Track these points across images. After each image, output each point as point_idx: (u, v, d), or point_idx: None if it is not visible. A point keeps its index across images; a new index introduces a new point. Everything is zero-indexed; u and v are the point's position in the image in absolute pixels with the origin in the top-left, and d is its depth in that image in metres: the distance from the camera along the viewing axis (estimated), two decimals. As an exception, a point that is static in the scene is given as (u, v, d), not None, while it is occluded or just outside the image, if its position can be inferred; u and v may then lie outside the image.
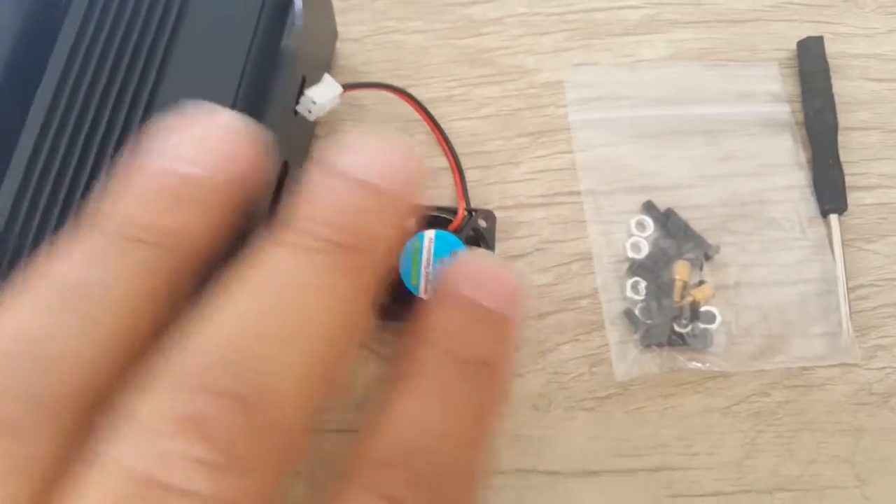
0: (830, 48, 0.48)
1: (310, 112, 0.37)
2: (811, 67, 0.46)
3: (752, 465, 0.41)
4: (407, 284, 0.39)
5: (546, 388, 0.42)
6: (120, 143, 0.33)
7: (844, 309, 0.42)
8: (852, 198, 0.45)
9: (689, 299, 0.41)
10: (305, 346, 0.18)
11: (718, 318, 0.41)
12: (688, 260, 0.42)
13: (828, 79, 0.46)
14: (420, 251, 0.39)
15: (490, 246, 0.40)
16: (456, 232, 0.40)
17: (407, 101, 0.42)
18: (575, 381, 0.42)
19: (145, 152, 0.21)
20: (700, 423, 0.41)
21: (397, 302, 0.39)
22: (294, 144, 0.40)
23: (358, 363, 0.42)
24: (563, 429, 0.41)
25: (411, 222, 0.23)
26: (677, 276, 0.42)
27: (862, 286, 0.44)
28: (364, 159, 0.21)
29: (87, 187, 0.32)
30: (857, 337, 0.43)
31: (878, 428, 0.42)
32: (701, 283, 0.42)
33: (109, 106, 0.33)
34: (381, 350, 0.42)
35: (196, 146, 0.21)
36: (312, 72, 0.38)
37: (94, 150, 0.32)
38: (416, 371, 0.21)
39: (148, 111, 0.33)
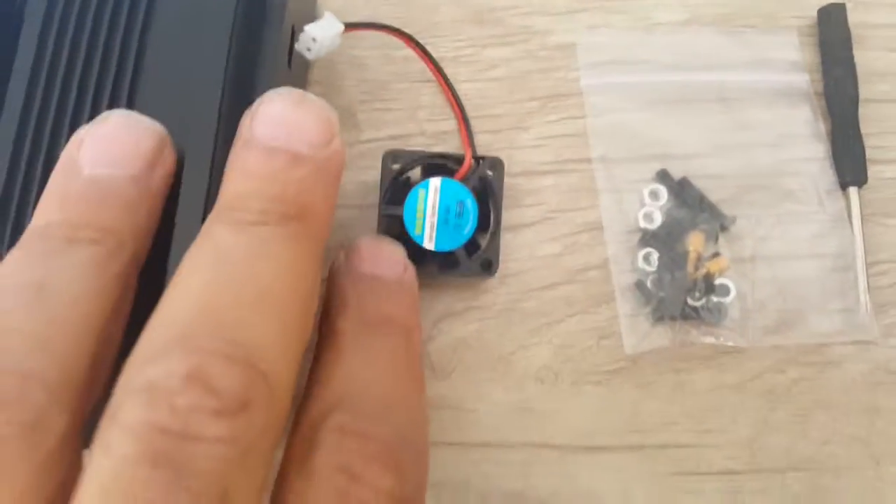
0: (851, 17, 0.46)
1: (309, 50, 0.35)
2: (832, 36, 0.44)
3: (765, 443, 0.40)
4: (411, 234, 0.37)
5: (552, 361, 0.40)
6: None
7: (863, 285, 0.41)
8: (872, 171, 0.43)
9: (703, 271, 0.40)
10: (272, 307, 0.20)
11: (733, 292, 0.40)
12: (702, 231, 0.41)
13: (849, 48, 0.44)
14: (425, 199, 0.37)
15: (498, 196, 0.38)
16: (463, 180, 0.38)
17: (412, 47, 0.40)
18: (582, 353, 0.40)
19: (69, 159, 0.24)
20: (711, 400, 0.40)
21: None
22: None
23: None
24: (569, 403, 0.40)
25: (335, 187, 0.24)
26: (691, 248, 0.40)
27: (881, 262, 0.42)
28: (280, 127, 0.23)
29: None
30: (875, 314, 0.41)
31: (895, 407, 0.40)
32: (716, 255, 0.41)
33: (94, 71, 0.31)
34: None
35: (111, 148, 0.24)
36: (300, 23, 0.37)
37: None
38: (336, 337, 0.25)
39: (136, 75, 0.32)
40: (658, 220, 0.41)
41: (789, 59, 0.45)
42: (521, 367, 0.40)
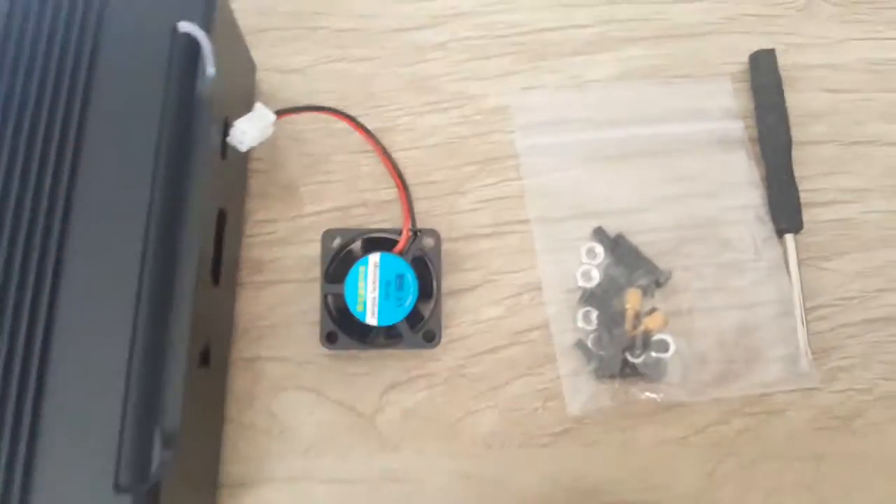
0: (784, 60, 0.47)
1: (241, 143, 0.36)
2: (763, 81, 0.45)
3: (713, 496, 0.40)
4: (353, 311, 0.38)
5: (499, 426, 0.41)
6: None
7: (802, 333, 0.41)
8: (809, 214, 0.44)
9: (641, 328, 0.40)
10: None
11: (672, 347, 0.40)
12: (639, 287, 0.41)
13: (781, 93, 0.45)
14: (365, 276, 0.38)
15: (436, 266, 0.39)
16: (401, 254, 0.39)
17: (347, 122, 0.41)
18: (528, 416, 0.41)
19: None
20: (657, 456, 0.41)
21: (343, 328, 0.39)
22: (228, 189, 0.38)
23: (305, 408, 0.41)
24: (517, 467, 0.40)
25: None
26: (628, 305, 0.41)
27: (821, 306, 0.43)
28: None
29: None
30: (816, 359, 0.42)
31: (839, 453, 0.41)
32: (652, 310, 0.41)
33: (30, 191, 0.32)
34: (330, 393, 0.41)
35: None
36: (234, 110, 0.37)
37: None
38: None
39: (72, 183, 0.33)
40: (596, 278, 0.42)
41: (723, 107, 0.46)
42: (468, 433, 0.41)
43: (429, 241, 0.40)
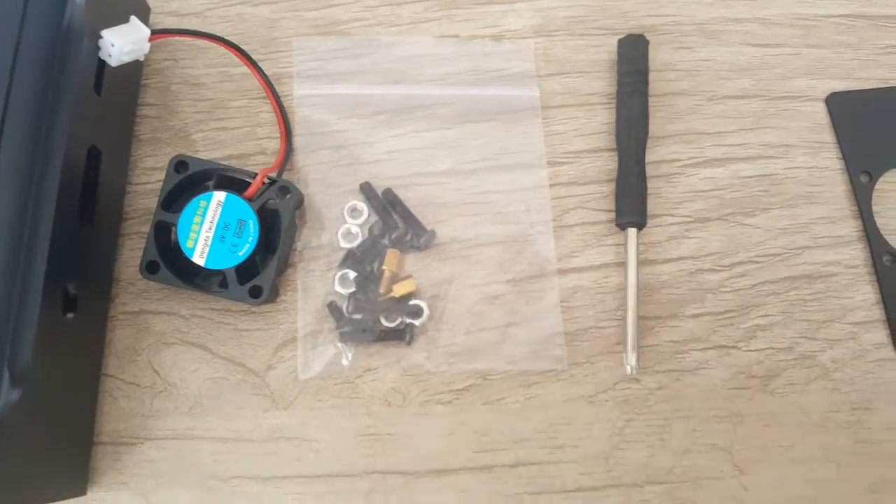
0: (710, 13, 0.45)
1: (110, 56, 0.34)
2: (628, 68, 0.42)
3: (621, 457, 0.38)
4: (182, 245, 0.35)
5: (399, 382, 0.39)
6: None
7: (632, 332, 0.38)
8: (732, 170, 0.42)
9: (390, 294, 0.38)
10: None
11: (426, 313, 0.38)
12: (399, 249, 0.39)
13: (645, 81, 0.42)
14: (204, 212, 0.36)
15: (284, 221, 0.37)
16: (250, 200, 0.36)
17: (242, 59, 0.39)
18: (430, 373, 0.39)
19: None
20: (564, 414, 0.38)
21: (169, 261, 0.36)
22: (102, 126, 0.36)
23: (192, 364, 0.38)
24: (417, 425, 0.38)
25: None
26: (385, 267, 0.38)
27: (742, 262, 0.41)
28: None
29: None
30: (736, 316, 0.40)
31: (757, 413, 0.39)
32: (408, 277, 0.39)
33: None
34: (218, 350, 0.38)
35: None
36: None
37: None
38: None
39: None
40: (358, 237, 0.40)
41: (523, 72, 0.43)
42: (368, 390, 0.38)
43: (277, 196, 0.37)
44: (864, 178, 0.42)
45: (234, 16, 0.43)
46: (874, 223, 0.41)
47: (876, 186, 0.42)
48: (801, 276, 0.41)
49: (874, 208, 0.42)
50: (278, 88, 0.41)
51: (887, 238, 0.41)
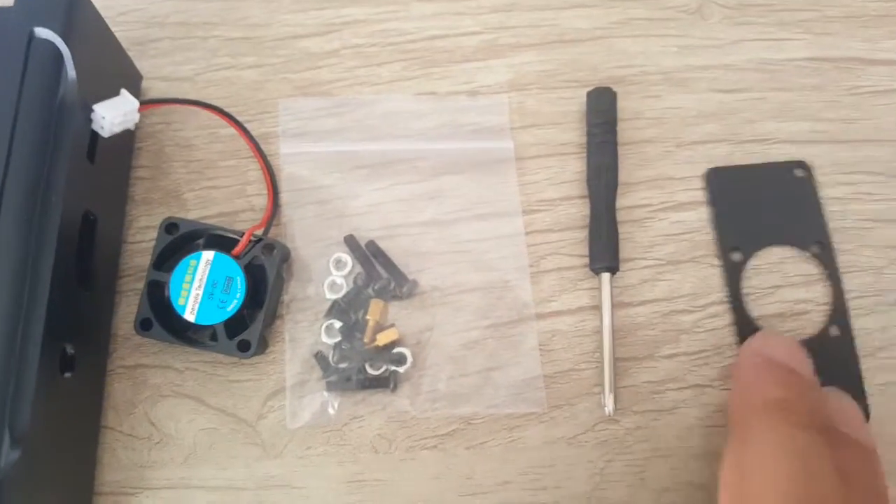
0: (677, 62, 0.47)
1: (102, 129, 0.36)
2: (597, 119, 0.44)
3: (602, 496, 0.39)
4: (173, 303, 0.37)
5: (385, 429, 0.40)
6: None
7: (609, 376, 0.40)
8: (701, 212, 0.44)
9: (374, 343, 0.40)
10: None
11: (409, 360, 0.40)
12: (383, 299, 0.41)
13: (614, 132, 0.44)
14: (195, 270, 0.38)
15: (270, 278, 0.38)
16: (237, 258, 0.38)
17: (229, 122, 0.41)
18: (416, 419, 0.40)
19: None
20: (545, 456, 0.40)
21: (162, 318, 0.38)
22: (97, 192, 0.38)
23: (186, 415, 0.40)
24: (404, 470, 0.39)
25: None
26: (369, 316, 0.40)
27: (713, 303, 0.42)
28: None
29: None
30: (710, 355, 0.41)
31: (733, 449, 0.40)
32: (391, 326, 0.41)
33: None
34: (211, 401, 0.40)
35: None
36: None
37: None
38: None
39: None
40: (343, 288, 0.41)
41: (497, 126, 0.45)
42: (355, 437, 0.40)
43: (264, 253, 0.39)
44: (735, 256, 0.43)
45: (222, 79, 0.45)
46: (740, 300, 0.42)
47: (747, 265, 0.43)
48: (774, 315, 0.42)
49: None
50: (265, 147, 0.43)
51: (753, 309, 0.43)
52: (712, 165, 0.45)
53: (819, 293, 0.43)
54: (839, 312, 0.42)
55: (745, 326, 0.42)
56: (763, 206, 0.44)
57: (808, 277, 0.43)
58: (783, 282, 0.43)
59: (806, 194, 0.44)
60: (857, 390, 0.40)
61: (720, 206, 0.43)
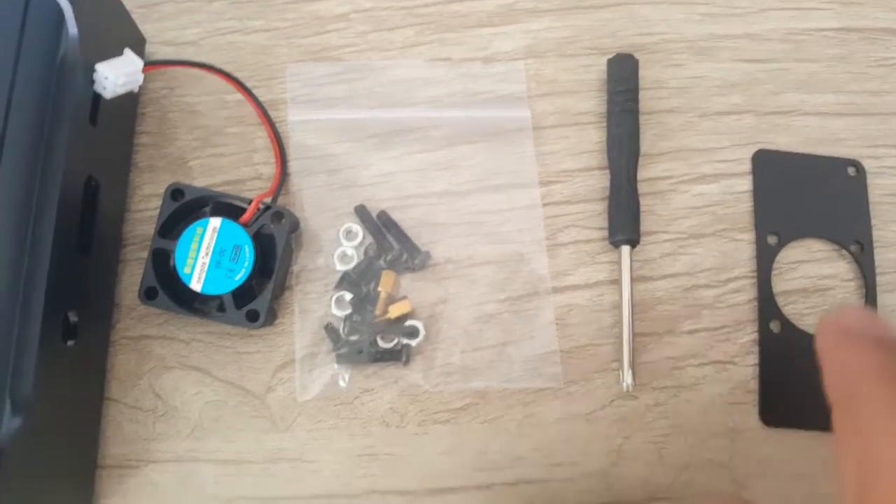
0: (700, 30, 0.46)
1: (104, 89, 0.34)
2: (619, 87, 0.42)
3: (620, 474, 0.38)
4: (179, 271, 0.36)
5: (397, 402, 0.39)
6: None
7: (627, 349, 0.38)
8: (723, 185, 0.43)
9: (387, 315, 0.38)
10: None
11: (422, 333, 0.38)
12: (395, 271, 0.39)
13: (636, 100, 0.42)
14: (201, 238, 0.36)
15: (279, 247, 0.37)
16: (246, 225, 0.37)
17: (236, 87, 0.39)
18: (428, 392, 0.39)
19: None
20: (561, 432, 0.39)
21: (168, 287, 0.37)
22: (99, 156, 0.37)
23: (192, 387, 0.39)
24: (416, 445, 0.38)
25: None
26: (381, 288, 0.39)
27: (736, 278, 0.41)
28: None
29: None
30: (731, 332, 0.40)
31: (754, 427, 0.39)
32: (403, 298, 0.39)
33: None
34: (218, 373, 0.39)
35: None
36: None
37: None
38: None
39: None
40: (354, 259, 0.40)
41: (514, 95, 0.43)
42: (366, 411, 0.39)
43: (272, 221, 0.37)
44: (771, 240, 0.42)
45: (227, 44, 0.44)
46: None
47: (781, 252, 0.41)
48: (797, 290, 0.41)
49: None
50: (273, 114, 0.42)
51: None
52: (734, 137, 0.43)
53: (850, 293, 0.41)
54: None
55: (769, 310, 0.40)
56: (808, 196, 0.42)
57: (841, 275, 0.41)
58: (815, 273, 0.41)
59: (855, 193, 0.43)
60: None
61: (764, 188, 0.42)
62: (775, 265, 0.41)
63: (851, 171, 0.43)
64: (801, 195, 0.42)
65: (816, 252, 0.42)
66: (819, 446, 0.38)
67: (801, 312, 0.41)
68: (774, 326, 0.40)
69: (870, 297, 0.41)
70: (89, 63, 0.35)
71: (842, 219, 0.42)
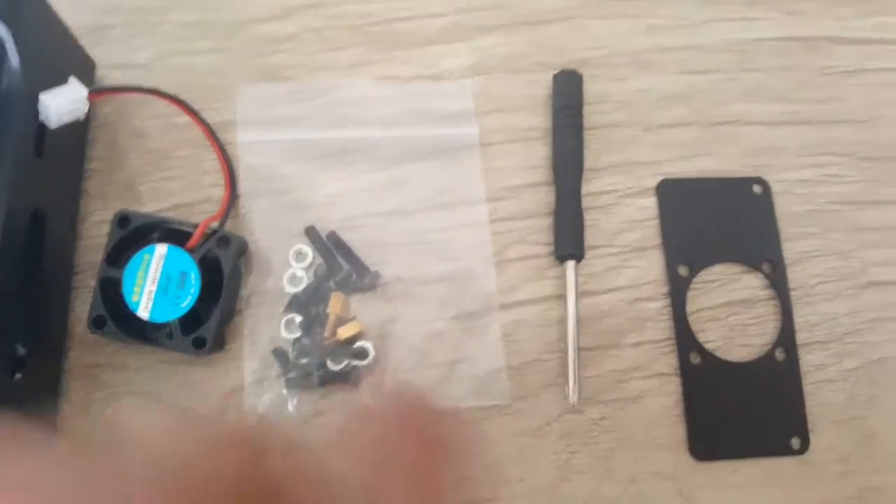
0: (644, 42, 0.46)
1: (48, 119, 0.35)
2: (563, 103, 0.43)
3: (568, 489, 0.39)
4: (127, 299, 0.36)
5: (347, 425, 0.39)
6: None
7: (573, 364, 0.39)
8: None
9: (335, 338, 0.39)
10: None
11: (371, 355, 0.39)
12: (343, 292, 0.40)
13: (580, 115, 0.43)
14: (148, 266, 0.37)
15: (226, 272, 0.37)
16: (192, 251, 0.37)
17: (184, 109, 0.40)
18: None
19: None
20: (510, 449, 0.39)
21: (116, 316, 0.37)
22: (46, 188, 0.37)
23: (143, 413, 0.39)
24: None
25: None
26: (329, 310, 0.39)
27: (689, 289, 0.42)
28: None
29: None
30: (675, 343, 0.41)
31: (700, 438, 0.40)
32: (352, 319, 0.40)
33: None
34: (168, 398, 0.39)
35: None
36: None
37: None
38: None
39: None
40: (304, 281, 0.40)
41: (462, 112, 0.44)
42: (317, 430, 0.39)
43: (218, 247, 0.38)
44: (682, 270, 0.42)
45: (178, 66, 0.44)
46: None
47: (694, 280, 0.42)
48: (740, 301, 0.42)
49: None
50: (224, 136, 0.42)
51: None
52: (679, 149, 0.44)
53: (766, 313, 0.42)
54: (786, 335, 0.41)
55: (687, 342, 0.41)
56: (716, 220, 0.42)
57: (756, 297, 0.42)
58: (731, 299, 0.42)
59: (762, 211, 0.43)
60: (799, 412, 0.40)
61: (669, 218, 0.42)
62: (690, 293, 0.41)
63: (757, 188, 0.43)
64: (708, 220, 0.42)
65: (730, 275, 0.42)
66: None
67: (721, 337, 0.41)
68: (694, 358, 0.40)
69: (786, 312, 0.41)
70: (33, 93, 0.35)
71: (751, 239, 0.42)
